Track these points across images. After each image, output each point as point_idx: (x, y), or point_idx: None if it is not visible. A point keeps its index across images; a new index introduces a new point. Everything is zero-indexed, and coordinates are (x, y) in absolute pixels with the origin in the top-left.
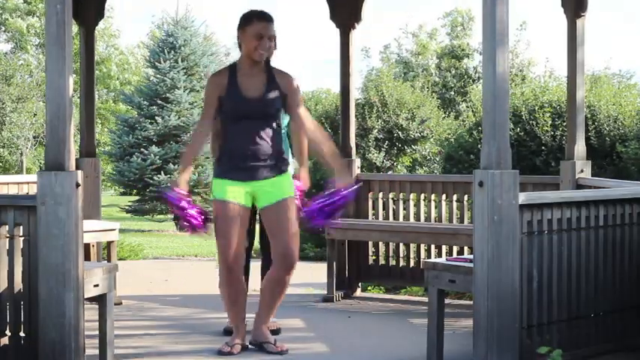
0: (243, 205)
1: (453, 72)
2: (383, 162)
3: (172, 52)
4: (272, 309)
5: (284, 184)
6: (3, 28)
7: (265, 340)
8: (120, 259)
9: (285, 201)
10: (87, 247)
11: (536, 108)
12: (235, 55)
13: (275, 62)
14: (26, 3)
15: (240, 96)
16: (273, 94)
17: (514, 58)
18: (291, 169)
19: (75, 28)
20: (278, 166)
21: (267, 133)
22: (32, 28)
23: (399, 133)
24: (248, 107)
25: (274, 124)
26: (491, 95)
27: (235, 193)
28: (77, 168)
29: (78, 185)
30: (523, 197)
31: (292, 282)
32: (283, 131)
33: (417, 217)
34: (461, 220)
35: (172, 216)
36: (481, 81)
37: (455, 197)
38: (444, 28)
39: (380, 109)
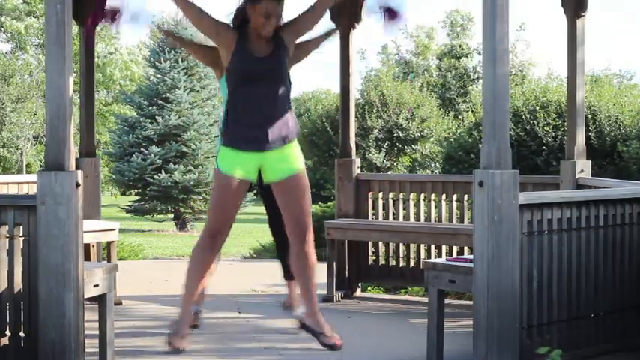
0: (248, 179)
1: (453, 72)
2: (383, 162)
3: (172, 52)
4: (309, 291)
5: (291, 157)
6: (2, 30)
7: (321, 330)
8: (120, 259)
9: (294, 177)
10: (87, 247)
11: (537, 108)
12: None
13: None
14: (26, 3)
15: (251, 57)
16: (283, 57)
17: (514, 58)
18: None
19: (75, 29)
20: (283, 134)
21: (275, 98)
22: (31, 28)
23: (399, 133)
24: (258, 67)
25: (283, 89)
26: (491, 95)
27: (242, 168)
28: (77, 168)
29: (78, 185)
30: (523, 197)
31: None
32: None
33: (417, 217)
34: (461, 220)
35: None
36: (481, 81)
37: (455, 197)
38: (443, 30)
39: (380, 109)
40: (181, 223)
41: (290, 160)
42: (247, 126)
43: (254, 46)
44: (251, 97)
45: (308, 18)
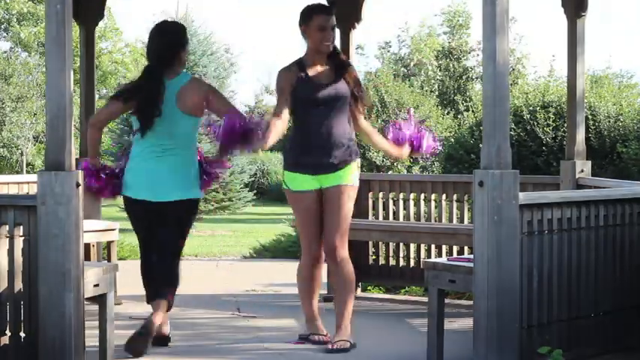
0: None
1: (452, 70)
2: (383, 161)
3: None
4: (341, 307)
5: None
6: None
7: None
8: (120, 259)
9: (340, 187)
10: (87, 247)
11: (537, 108)
12: (234, 51)
13: (277, 61)
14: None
15: (312, 83)
16: (342, 83)
17: (512, 55)
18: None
19: (75, 29)
20: (346, 156)
21: (337, 122)
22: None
23: None
24: (320, 94)
25: (345, 113)
26: (491, 94)
27: (308, 183)
28: (77, 168)
29: (78, 185)
30: (523, 197)
31: (292, 282)
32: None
33: (417, 217)
34: (461, 220)
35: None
36: (479, 80)
37: (455, 197)
38: (441, 27)
39: (380, 109)
40: None
41: (343, 175)
42: (307, 153)
43: (313, 70)
44: (312, 122)
45: (356, 115)
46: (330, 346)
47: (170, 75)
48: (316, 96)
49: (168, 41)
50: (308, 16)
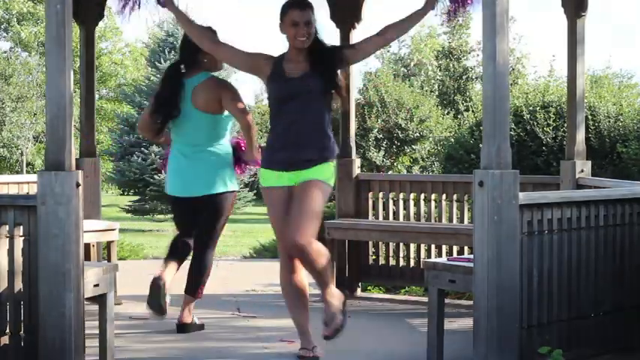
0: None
1: (452, 70)
2: (383, 160)
3: (172, 52)
4: (321, 284)
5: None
6: (6, 35)
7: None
8: (120, 259)
9: (315, 180)
10: (87, 247)
11: (538, 108)
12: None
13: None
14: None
15: (282, 78)
16: (315, 76)
17: (512, 55)
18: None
19: (75, 29)
20: (321, 152)
21: (311, 117)
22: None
23: (399, 133)
24: (289, 89)
25: (320, 107)
26: (491, 94)
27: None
28: (77, 168)
29: (78, 185)
30: (523, 197)
31: None
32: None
33: (417, 217)
34: (461, 220)
35: None
36: (480, 80)
37: (455, 197)
38: (441, 27)
39: (380, 109)
40: None
41: (317, 172)
42: (280, 149)
43: (289, 65)
44: (283, 118)
45: (375, 41)
46: (324, 333)
47: (190, 74)
48: (285, 91)
49: (188, 42)
50: (283, 11)
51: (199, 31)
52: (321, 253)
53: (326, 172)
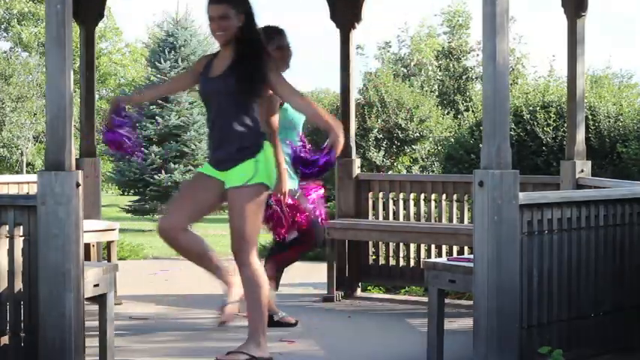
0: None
1: (452, 70)
2: (383, 160)
3: (172, 52)
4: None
5: (243, 171)
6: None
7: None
8: (120, 259)
9: (237, 190)
10: (87, 247)
11: (538, 108)
12: None
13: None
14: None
15: (204, 77)
16: (232, 76)
17: (511, 55)
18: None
19: (75, 29)
20: (242, 153)
21: (232, 116)
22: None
23: (399, 132)
24: (206, 88)
25: (241, 106)
26: (491, 94)
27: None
28: (77, 168)
29: (78, 185)
30: (523, 197)
31: (292, 282)
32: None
33: (417, 217)
34: (461, 220)
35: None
36: (480, 80)
37: (455, 197)
38: (441, 27)
39: (380, 109)
40: None
41: (241, 174)
42: (211, 148)
43: (217, 63)
44: (208, 119)
45: (283, 94)
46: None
47: None
48: (204, 90)
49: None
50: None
51: (165, 89)
52: (254, 283)
53: (248, 171)
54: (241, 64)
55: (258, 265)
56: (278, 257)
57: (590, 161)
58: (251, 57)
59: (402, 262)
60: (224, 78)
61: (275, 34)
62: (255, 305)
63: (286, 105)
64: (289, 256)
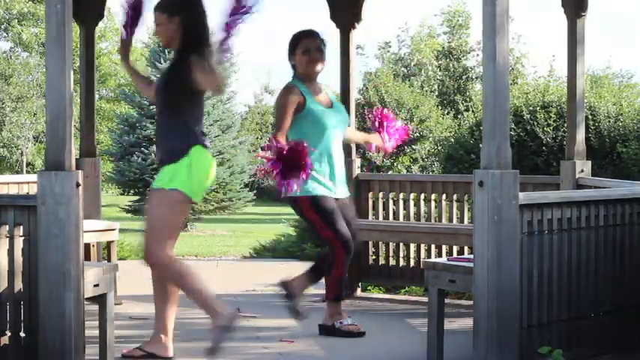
0: None
1: (452, 70)
2: (383, 160)
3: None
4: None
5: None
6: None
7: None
8: (120, 259)
9: (153, 191)
10: (87, 247)
11: (538, 108)
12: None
13: (276, 62)
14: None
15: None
16: (165, 80)
17: (511, 54)
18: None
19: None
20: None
21: (166, 119)
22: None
23: None
24: (156, 85)
25: (171, 110)
26: (491, 94)
27: None
28: (77, 168)
29: (78, 185)
30: (523, 197)
31: None
32: None
33: (417, 217)
34: (461, 220)
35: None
36: (480, 80)
37: (455, 197)
38: (441, 27)
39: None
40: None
41: (160, 177)
42: None
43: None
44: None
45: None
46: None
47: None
48: (154, 93)
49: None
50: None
51: (145, 85)
52: (174, 277)
53: (164, 176)
54: (172, 66)
55: (168, 259)
56: (332, 278)
57: (590, 161)
58: (176, 61)
59: (402, 262)
60: (161, 77)
61: (303, 37)
62: (192, 293)
63: (307, 109)
64: (337, 273)
